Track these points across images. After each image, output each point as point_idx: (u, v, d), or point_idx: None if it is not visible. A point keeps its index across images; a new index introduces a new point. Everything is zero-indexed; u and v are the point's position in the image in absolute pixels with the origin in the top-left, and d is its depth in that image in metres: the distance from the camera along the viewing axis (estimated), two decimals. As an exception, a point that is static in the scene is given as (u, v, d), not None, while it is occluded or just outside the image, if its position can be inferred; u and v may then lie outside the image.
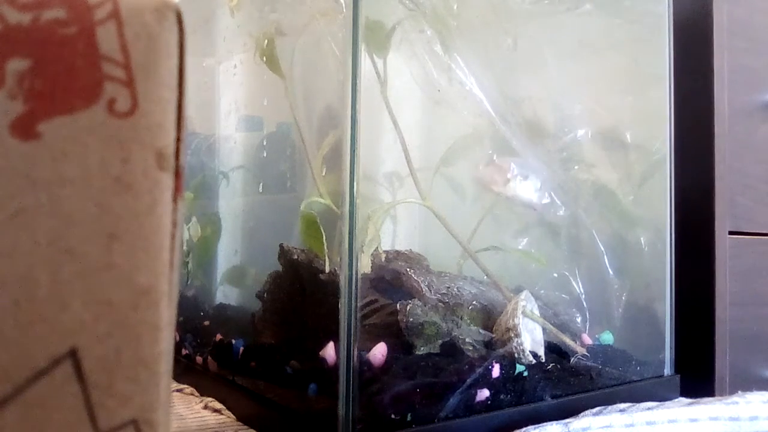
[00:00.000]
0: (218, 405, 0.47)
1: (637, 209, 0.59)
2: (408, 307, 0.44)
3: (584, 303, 0.54)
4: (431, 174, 0.51)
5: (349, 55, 0.38)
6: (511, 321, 0.45)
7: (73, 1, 0.18)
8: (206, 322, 0.59)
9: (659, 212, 0.57)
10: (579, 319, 0.53)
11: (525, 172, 0.49)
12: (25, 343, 0.18)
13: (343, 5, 0.41)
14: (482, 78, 0.48)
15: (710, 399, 0.44)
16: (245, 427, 0.44)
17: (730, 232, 0.70)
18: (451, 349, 0.44)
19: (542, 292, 0.53)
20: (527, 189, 0.50)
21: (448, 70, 0.47)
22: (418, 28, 0.47)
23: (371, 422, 0.38)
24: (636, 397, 0.47)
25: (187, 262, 0.64)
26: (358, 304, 0.39)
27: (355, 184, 0.38)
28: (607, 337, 0.54)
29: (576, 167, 0.57)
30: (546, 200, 0.51)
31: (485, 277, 0.51)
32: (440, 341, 0.45)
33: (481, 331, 0.47)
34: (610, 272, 0.56)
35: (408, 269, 0.48)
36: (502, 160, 0.50)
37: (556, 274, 0.55)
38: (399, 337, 0.44)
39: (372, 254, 0.45)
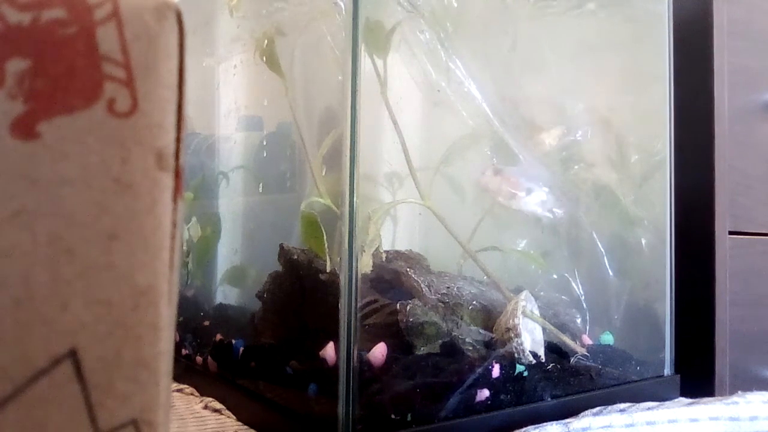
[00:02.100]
0: (218, 405, 0.47)
1: (637, 209, 0.59)
2: (408, 307, 0.44)
3: (584, 303, 0.54)
4: (431, 174, 0.51)
5: (349, 55, 0.38)
6: (511, 321, 0.45)
7: (73, 1, 0.18)
8: (206, 322, 0.59)
9: (659, 212, 0.57)
10: (579, 320, 0.53)
11: (531, 186, 0.49)
12: (25, 343, 0.18)
13: (342, 6, 0.41)
14: (481, 79, 0.48)
15: (710, 399, 0.44)
16: (245, 427, 0.44)
17: (730, 232, 0.70)
18: (451, 349, 0.44)
19: (542, 293, 0.53)
20: (532, 203, 0.50)
21: (447, 71, 0.47)
22: (417, 29, 0.47)
23: (371, 422, 0.38)
24: (636, 397, 0.47)
25: (187, 262, 0.64)
26: (358, 304, 0.39)
27: (355, 184, 0.38)
28: (607, 338, 0.54)
29: (576, 167, 0.57)
30: (549, 215, 0.51)
31: (485, 277, 0.51)
32: (440, 341, 0.45)
33: (481, 331, 0.47)
34: (610, 273, 0.56)
35: (408, 269, 0.48)
36: (508, 171, 0.50)
37: (555, 276, 0.55)
38: (399, 337, 0.44)
39: (372, 254, 0.45)
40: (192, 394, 0.51)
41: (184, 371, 0.54)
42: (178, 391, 0.52)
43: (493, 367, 0.43)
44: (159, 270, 0.19)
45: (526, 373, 0.44)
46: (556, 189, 0.52)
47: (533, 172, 0.50)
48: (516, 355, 0.45)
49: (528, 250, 0.55)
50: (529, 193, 0.49)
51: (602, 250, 0.55)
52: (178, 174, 0.19)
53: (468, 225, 0.53)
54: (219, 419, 0.45)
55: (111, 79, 0.19)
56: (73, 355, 0.18)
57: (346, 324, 0.38)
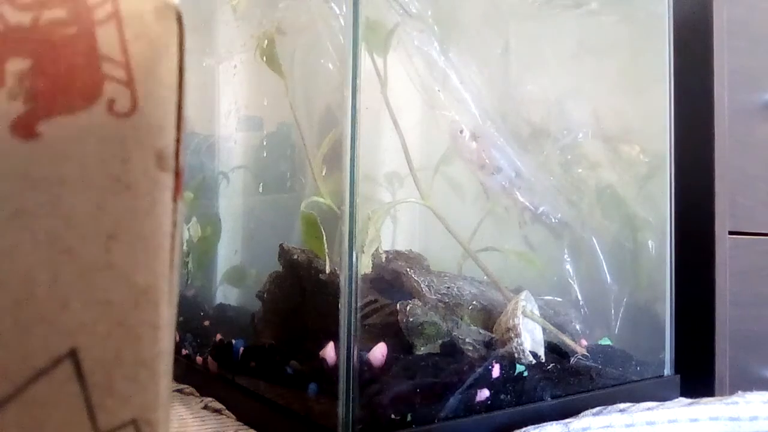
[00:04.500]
0: (218, 405, 0.47)
1: (637, 209, 0.59)
2: (408, 307, 0.44)
3: (582, 303, 0.54)
4: (431, 174, 0.51)
5: (349, 55, 0.38)
6: (511, 321, 0.45)
7: (73, 1, 0.18)
8: (206, 322, 0.59)
9: (659, 212, 0.57)
10: (578, 325, 0.53)
11: (502, 166, 0.49)
12: (25, 343, 0.18)
13: (337, 11, 0.41)
14: (478, 80, 0.48)
15: (710, 399, 0.44)
16: (245, 427, 0.44)
17: (730, 232, 0.70)
18: (451, 349, 0.44)
19: (544, 297, 0.53)
20: (495, 181, 0.49)
21: (445, 72, 0.47)
22: (414, 31, 0.47)
23: (371, 422, 0.38)
24: (636, 397, 0.47)
25: (187, 262, 0.64)
26: (358, 304, 0.39)
27: (355, 184, 0.38)
28: (606, 342, 0.54)
29: (579, 170, 0.57)
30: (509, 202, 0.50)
31: (485, 277, 0.51)
32: (440, 341, 0.45)
33: (481, 331, 0.47)
34: (611, 273, 0.55)
35: (408, 269, 0.48)
36: (486, 141, 0.49)
37: (555, 278, 0.55)
38: (399, 337, 0.44)
39: (372, 254, 0.45)
40: (192, 394, 0.51)
41: (184, 371, 0.54)
42: (178, 391, 0.52)
43: (493, 367, 0.43)
44: (159, 270, 0.19)
45: (526, 373, 0.44)
46: (552, 189, 0.52)
47: (511, 154, 0.49)
48: (516, 355, 0.45)
49: (527, 250, 0.55)
50: (497, 172, 0.49)
51: (602, 250, 0.55)
52: (178, 174, 0.19)
53: (468, 225, 0.53)
54: (219, 419, 0.45)
55: (111, 79, 0.19)
56: (73, 355, 0.18)
57: (346, 324, 0.38)
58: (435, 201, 0.48)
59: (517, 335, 0.45)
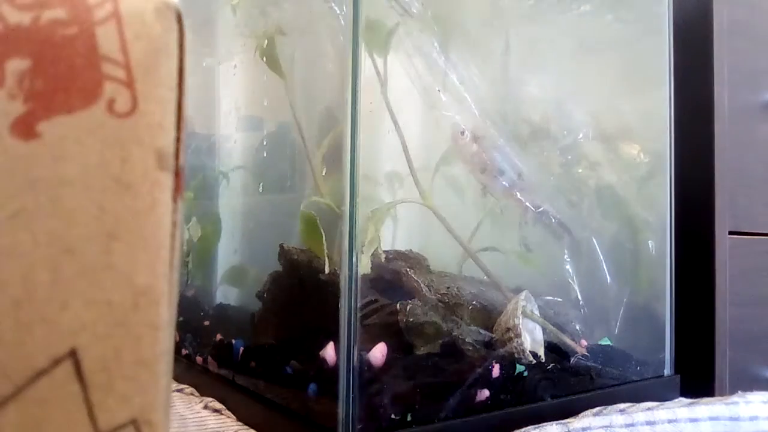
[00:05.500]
0: (218, 405, 0.47)
1: (637, 210, 0.59)
2: (408, 307, 0.44)
3: (582, 303, 0.54)
4: (431, 174, 0.51)
5: (349, 55, 0.38)
6: (511, 321, 0.45)
7: (73, 1, 0.18)
8: (206, 322, 0.59)
9: (659, 212, 0.57)
10: (578, 325, 0.53)
11: (504, 168, 0.49)
12: (25, 343, 0.18)
13: (337, 11, 0.41)
14: (478, 80, 0.48)
15: (710, 399, 0.44)
16: (245, 427, 0.44)
17: (730, 232, 0.70)
18: (451, 349, 0.44)
19: (544, 297, 0.53)
20: (498, 184, 0.49)
21: (444, 73, 0.47)
22: (414, 31, 0.47)
23: (371, 422, 0.38)
24: (636, 397, 0.47)
25: (187, 262, 0.64)
26: (358, 304, 0.39)
27: (355, 184, 0.38)
28: (606, 341, 0.54)
29: (580, 170, 0.57)
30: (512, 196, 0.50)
31: (485, 277, 0.51)
32: (440, 341, 0.45)
33: (481, 331, 0.47)
34: (611, 273, 0.55)
35: (408, 269, 0.48)
36: (487, 144, 0.49)
37: (555, 278, 0.55)
38: (399, 337, 0.44)
39: (372, 254, 0.45)
40: (192, 394, 0.51)
41: (184, 371, 0.54)
42: (178, 391, 0.52)
43: (493, 367, 0.43)
44: (159, 270, 0.19)
45: (526, 373, 0.44)
46: (551, 188, 0.52)
47: (512, 155, 0.49)
48: (516, 355, 0.45)
49: (525, 252, 0.55)
50: (500, 174, 0.49)
51: (602, 250, 0.55)
52: (178, 174, 0.19)
53: (468, 225, 0.53)
54: (219, 419, 0.45)
55: (111, 79, 0.19)
56: (73, 355, 0.18)
57: (346, 324, 0.38)
58: (435, 201, 0.48)
59: (517, 335, 0.45)
